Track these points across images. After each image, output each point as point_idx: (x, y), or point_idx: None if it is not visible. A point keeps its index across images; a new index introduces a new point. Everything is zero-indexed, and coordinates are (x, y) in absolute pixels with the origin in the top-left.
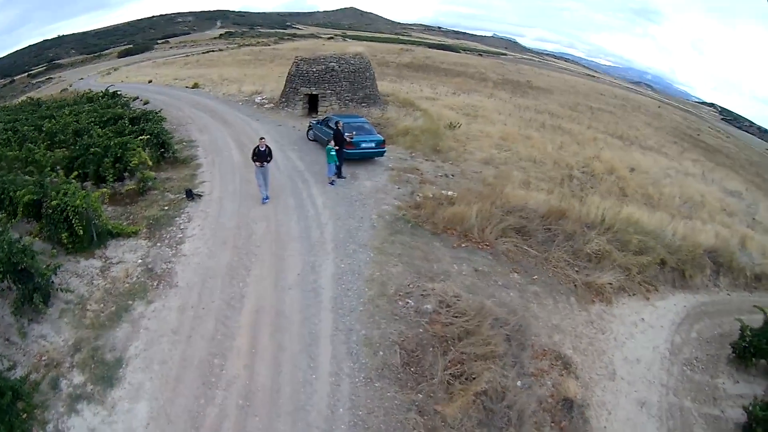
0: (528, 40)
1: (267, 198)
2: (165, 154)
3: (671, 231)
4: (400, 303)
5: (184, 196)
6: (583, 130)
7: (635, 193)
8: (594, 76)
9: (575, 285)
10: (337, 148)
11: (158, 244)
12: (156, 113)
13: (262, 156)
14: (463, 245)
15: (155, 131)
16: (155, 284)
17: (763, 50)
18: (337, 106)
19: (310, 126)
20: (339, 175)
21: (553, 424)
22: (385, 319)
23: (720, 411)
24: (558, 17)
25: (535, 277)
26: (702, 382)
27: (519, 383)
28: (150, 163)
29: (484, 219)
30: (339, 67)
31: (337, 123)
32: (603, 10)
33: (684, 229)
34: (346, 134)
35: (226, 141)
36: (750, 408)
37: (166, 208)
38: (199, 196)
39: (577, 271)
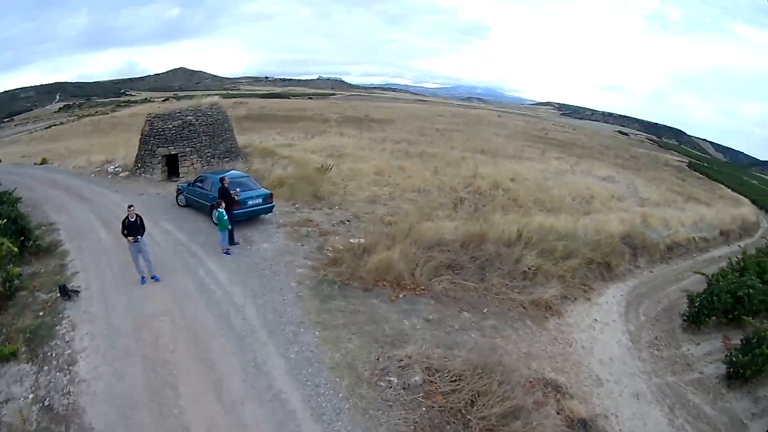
0: (354, 77)
1: (156, 278)
2: (26, 243)
3: (582, 229)
4: (382, 384)
5: (59, 294)
6: (447, 152)
7: (527, 202)
8: (426, 101)
9: (524, 307)
10: (226, 210)
11: (46, 368)
12: (9, 193)
13: (134, 229)
14: (400, 296)
15: (12, 215)
16: (63, 430)
17: (594, 42)
18: (199, 165)
19: (179, 190)
20: (232, 241)
21: None
22: (380, 409)
23: (699, 373)
24: (384, 50)
25: (485, 310)
26: (671, 356)
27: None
28: (15, 252)
29: (410, 261)
30: (197, 120)
31: (222, 180)
32: (429, 36)
33: (592, 224)
34: (231, 192)
35: (89, 220)
36: (732, 358)
37: (42, 313)
38: (76, 292)
39: (518, 292)
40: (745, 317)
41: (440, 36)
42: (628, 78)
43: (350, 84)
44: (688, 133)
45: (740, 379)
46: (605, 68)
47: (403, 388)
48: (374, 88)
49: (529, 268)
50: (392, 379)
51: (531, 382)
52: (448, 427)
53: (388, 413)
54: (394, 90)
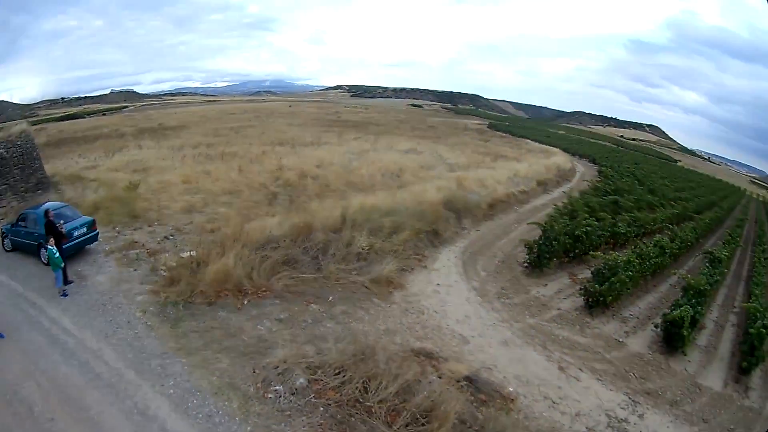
0: (145, 86)
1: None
2: None
3: (403, 203)
4: (271, 396)
5: None
6: (247, 149)
7: (339, 185)
8: (215, 101)
9: (366, 287)
10: (56, 245)
11: None
12: None
13: None
14: (245, 302)
15: None
16: None
17: (385, 20)
18: (16, 203)
19: (3, 234)
20: (66, 280)
21: (478, 404)
22: (281, 422)
23: (557, 310)
24: (173, 54)
25: (330, 298)
26: (524, 301)
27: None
28: None
29: (245, 265)
30: (8, 153)
31: (46, 213)
32: (218, 34)
33: (411, 196)
34: (57, 224)
35: None
36: (589, 290)
37: None
38: None
39: (357, 274)
40: (589, 253)
41: (228, 33)
42: (421, 52)
43: (142, 94)
44: (485, 96)
45: (600, 306)
46: (396, 45)
47: (292, 394)
48: (165, 94)
49: (362, 249)
50: (278, 387)
51: (400, 356)
52: (353, 419)
53: (291, 423)
54: (184, 94)
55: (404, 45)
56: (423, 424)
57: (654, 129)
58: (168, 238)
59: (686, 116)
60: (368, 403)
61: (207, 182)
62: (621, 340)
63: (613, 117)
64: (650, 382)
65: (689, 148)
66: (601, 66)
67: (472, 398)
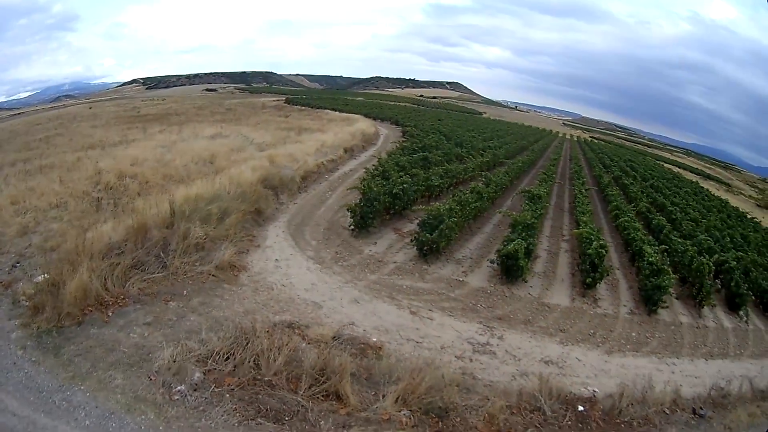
0: None
1: None
2: None
3: (223, 188)
4: (178, 397)
5: None
6: (62, 158)
7: (158, 180)
8: (20, 113)
9: (213, 275)
10: None
11: None
12: None
13: None
14: (110, 313)
15: None
16: None
17: (177, 7)
18: None
19: None
20: None
21: (353, 357)
22: (199, 418)
23: (393, 263)
24: None
25: (185, 292)
26: (360, 261)
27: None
28: None
29: (99, 277)
30: None
31: None
32: (21, 41)
33: (229, 180)
34: None
35: None
36: (421, 239)
37: None
38: None
39: (200, 264)
40: (408, 208)
41: (33, 38)
42: (214, 35)
43: None
44: (279, 73)
45: (433, 253)
46: (189, 31)
47: (195, 390)
48: None
49: (198, 240)
50: (180, 387)
51: (268, 331)
52: (260, 396)
53: (209, 416)
54: None
55: (197, 30)
56: (324, 383)
57: (455, 85)
58: (15, 267)
59: (489, 70)
60: (266, 378)
61: (33, 199)
62: (461, 279)
63: (411, 78)
64: (499, 309)
65: (494, 99)
66: (397, 31)
67: (348, 353)
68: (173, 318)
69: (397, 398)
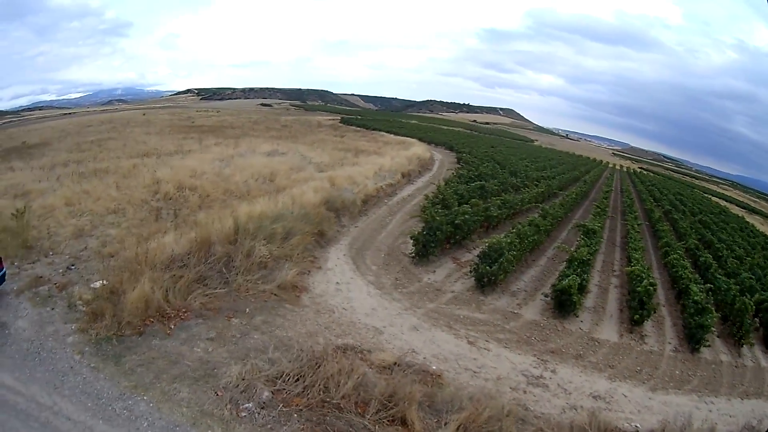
0: (5, 102)
1: None
2: None
3: (287, 207)
4: (245, 414)
5: None
6: (117, 163)
7: (218, 194)
8: (71, 113)
9: (275, 294)
10: None
11: None
12: None
13: None
14: (172, 326)
15: None
16: None
17: (233, 21)
18: None
19: None
20: None
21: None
22: None
23: (451, 293)
24: (31, 66)
25: (247, 310)
26: (419, 288)
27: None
28: None
29: (160, 288)
30: None
31: None
32: (75, 42)
33: (292, 200)
34: None
35: None
36: (480, 271)
37: None
38: None
39: (263, 282)
40: (468, 238)
41: (85, 41)
42: (269, 51)
43: (1, 111)
44: (334, 92)
45: (490, 285)
46: (244, 46)
47: (262, 408)
48: (23, 110)
49: (262, 258)
50: (247, 405)
51: (331, 352)
52: (328, 417)
53: None
54: (41, 108)
55: (252, 45)
56: (391, 408)
57: (508, 112)
58: (70, 269)
59: (542, 98)
60: (335, 401)
61: (89, 202)
62: (515, 311)
63: (465, 103)
64: (552, 343)
65: (545, 127)
66: (452, 55)
67: (410, 380)
68: (236, 335)
69: (459, 426)
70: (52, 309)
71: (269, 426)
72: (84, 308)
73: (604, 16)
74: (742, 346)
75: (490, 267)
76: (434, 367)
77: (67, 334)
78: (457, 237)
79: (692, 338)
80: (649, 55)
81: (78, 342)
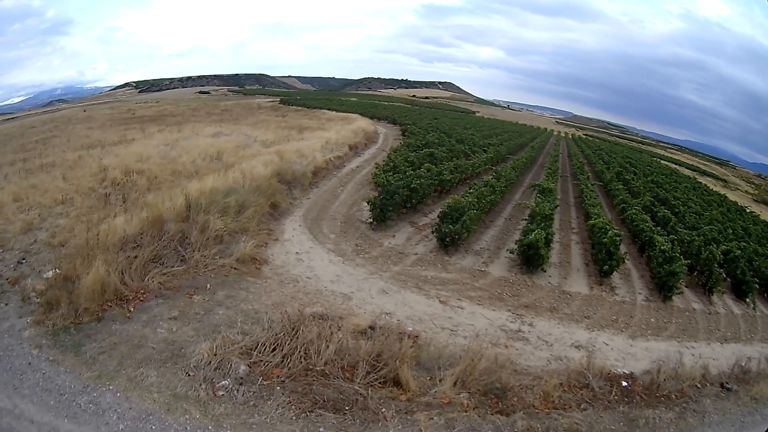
0: None
1: None
2: None
3: (237, 182)
4: (223, 393)
5: None
6: (63, 156)
7: (167, 176)
8: (13, 117)
9: (235, 268)
10: None
11: None
12: None
13: None
14: (131, 309)
15: None
16: None
17: (170, 11)
18: None
19: None
20: None
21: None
22: (250, 415)
23: (414, 255)
24: None
25: (209, 286)
26: (381, 253)
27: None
28: None
29: (116, 271)
30: None
31: None
32: (15, 45)
33: (243, 174)
34: None
35: None
36: (443, 231)
37: None
38: None
39: (221, 257)
40: (423, 201)
41: (26, 42)
42: (205, 38)
43: None
44: (271, 75)
45: (454, 245)
46: (181, 35)
47: (241, 384)
48: None
49: (217, 232)
50: (224, 382)
51: (308, 317)
52: (314, 386)
53: (262, 410)
54: None
55: (190, 33)
56: (381, 369)
57: (447, 85)
58: (21, 263)
59: (482, 70)
60: (318, 368)
61: (37, 196)
62: (482, 270)
63: (404, 79)
64: (524, 298)
65: (486, 99)
66: (389, 33)
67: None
68: (200, 312)
69: (456, 381)
70: (6, 305)
71: (252, 403)
72: (38, 299)
73: None
74: (712, 295)
75: (453, 226)
76: (410, 329)
77: (23, 328)
78: (413, 201)
79: (663, 287)
80: (592, 26)
81: (34, 335)
